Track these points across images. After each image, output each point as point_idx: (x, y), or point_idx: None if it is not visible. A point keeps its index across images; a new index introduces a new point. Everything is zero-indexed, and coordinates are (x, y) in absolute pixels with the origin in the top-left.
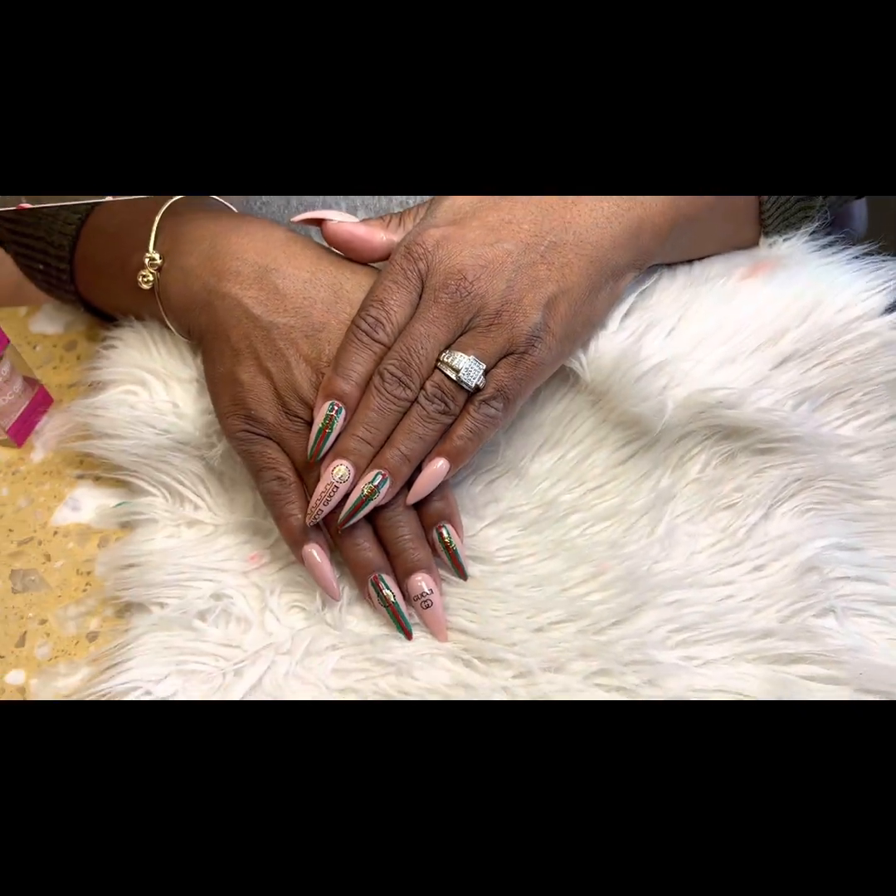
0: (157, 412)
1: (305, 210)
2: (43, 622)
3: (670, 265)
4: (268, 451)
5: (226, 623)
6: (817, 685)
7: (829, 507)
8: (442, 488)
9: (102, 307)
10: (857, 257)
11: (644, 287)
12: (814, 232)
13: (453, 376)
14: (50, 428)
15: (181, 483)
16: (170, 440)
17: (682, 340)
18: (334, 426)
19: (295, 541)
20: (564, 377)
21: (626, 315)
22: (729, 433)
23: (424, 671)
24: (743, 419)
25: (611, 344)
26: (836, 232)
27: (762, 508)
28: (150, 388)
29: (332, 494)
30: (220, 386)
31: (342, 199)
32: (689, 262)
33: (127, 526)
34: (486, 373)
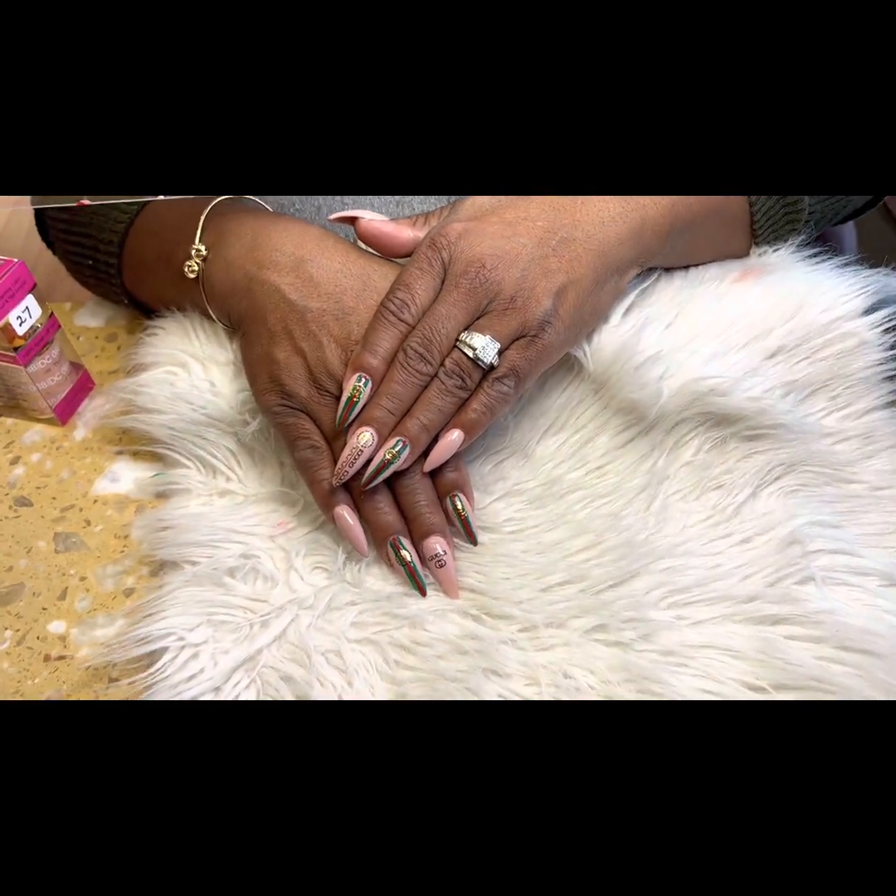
0: (195, 390)
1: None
2: (83, 579)
3: (668, 269)
4: (301, 422)
5: (254, 580)
6: (798, 643)
7: (811, 488)
8: (456, 460)
9: (146, 299)
10: (839, 266)
11: (644, 286)
12: (801, 243)
13: (470, 354)
14: (91, 409)
15: (215, 456)
16: (206, 416)
17: (678, 334)
18: (361, 397)
19: (327, 503)
20: (569, 366)
21: (627, 310)
22: (720, 420)
23: (436, 624)
24: (733, 407)
25: (612, 336)
26: (824, 248)
27: (749, 488)
28: (189, 370)
29: (356, 458)
30: (257, 365)
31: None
32: (685, 267)
33: (162, 496)
34: (500, 353)
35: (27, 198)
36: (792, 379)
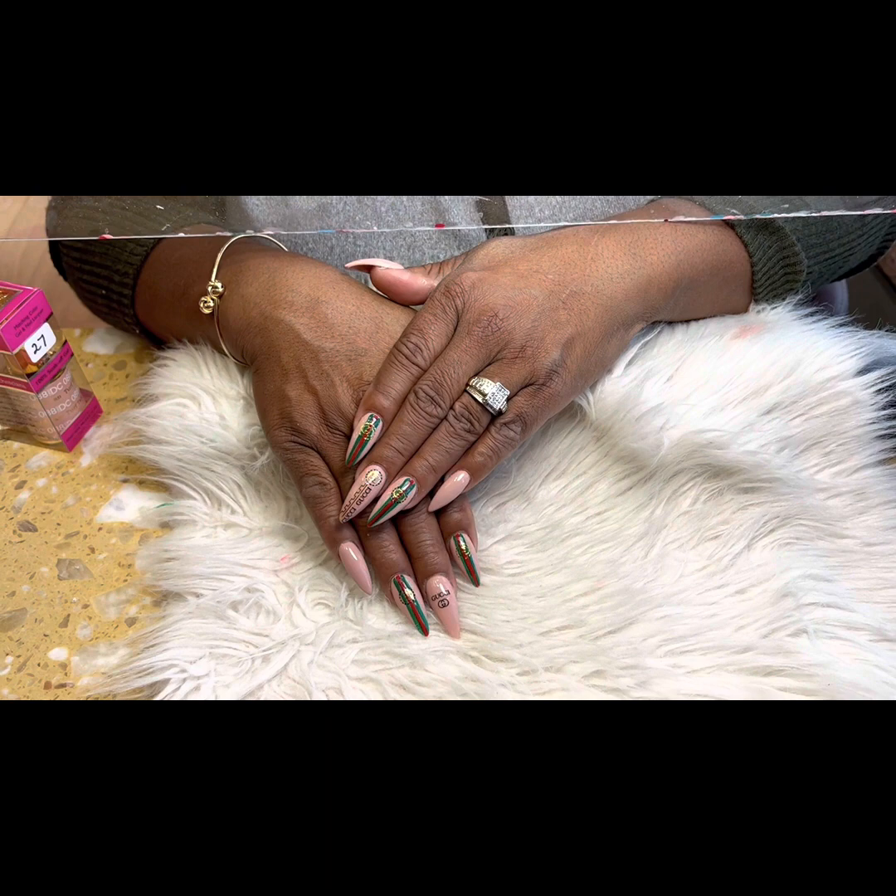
0: (204, 423)
1: (348, 259)
2: (85, 607)
3: (670, 323)
4: (311, 459)
5: (256, 614)
6: (791, 695)
7: (805, 542)
8: (461, 501)
9: (158, 330)
10: (835, 326)
11: (647, 339)
12: (798, 302)
13: (480, 399)
14: (98, 436)
15: (221, 489)
16: (214, 449)
17: (678, 387)
18: (372, 436)
19: (333, 539)
20: (572, 414)
21: (630, 363)
22: (717, 472)
23: (436, 665)
24: (730, 459)
25: (615, 387)
26: (819, 307)
27: (745, 540)
28: (199, 402)
29: (364, 495)
30: (269, 401)
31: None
32: (687, 322)
33: (167, 526)
34: (508, 399)
35: (43, 227)
36: (787, 435)
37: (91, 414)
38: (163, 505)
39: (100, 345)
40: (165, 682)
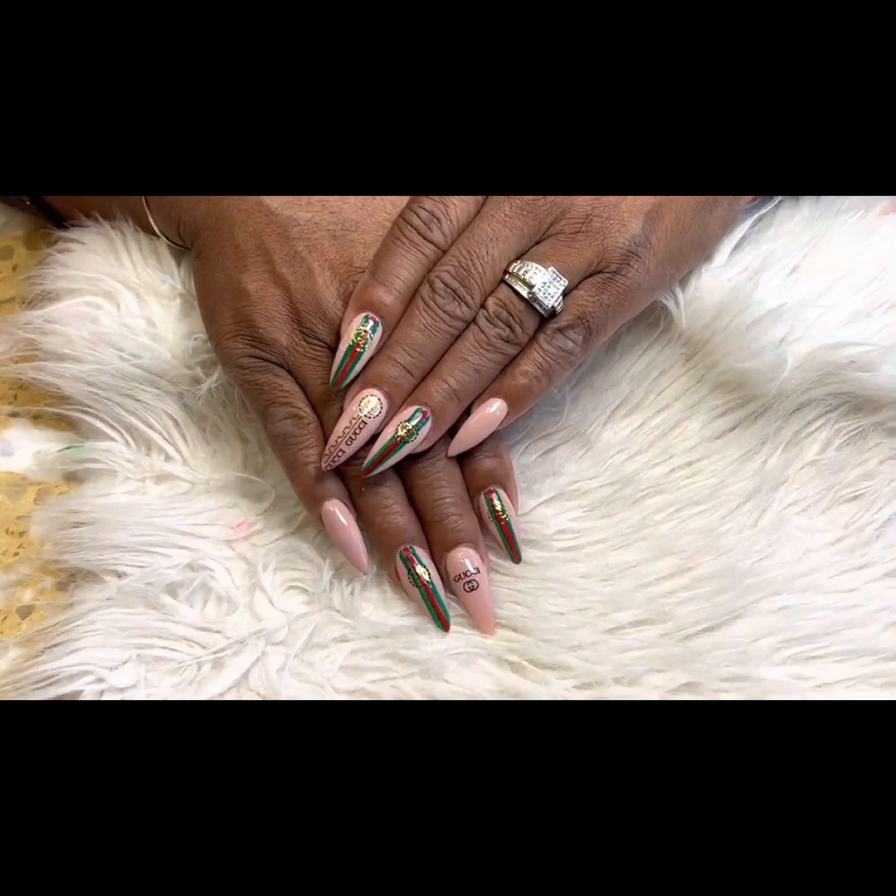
0: (126, 331)
1: None
2: None
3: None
4: (280, 381)
5: (203, 602)
6: None
7: None
8: (495, 443)
9: (59, 203)
10: None
11: (761, 213)
12: None
13: (525, 293)
14: None
15: (150, 426)
16: (140, 369)
17: (806, 283)
18: (367, 346)
19: (312, 496)
20: (653, 321)
21: (737, 248)
22: (859, 405)
23: (459, 673)
24: (879, 387)
25: (716, 282)
26: None
27: None
28: (118, 302)
29: (357, 432)
30: (218, 297)
31: None
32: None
33: (74, 478)
34: (565, 294)
35: None
36: None
37: None
38: (68, 448)
39: None
40: (75, 695)
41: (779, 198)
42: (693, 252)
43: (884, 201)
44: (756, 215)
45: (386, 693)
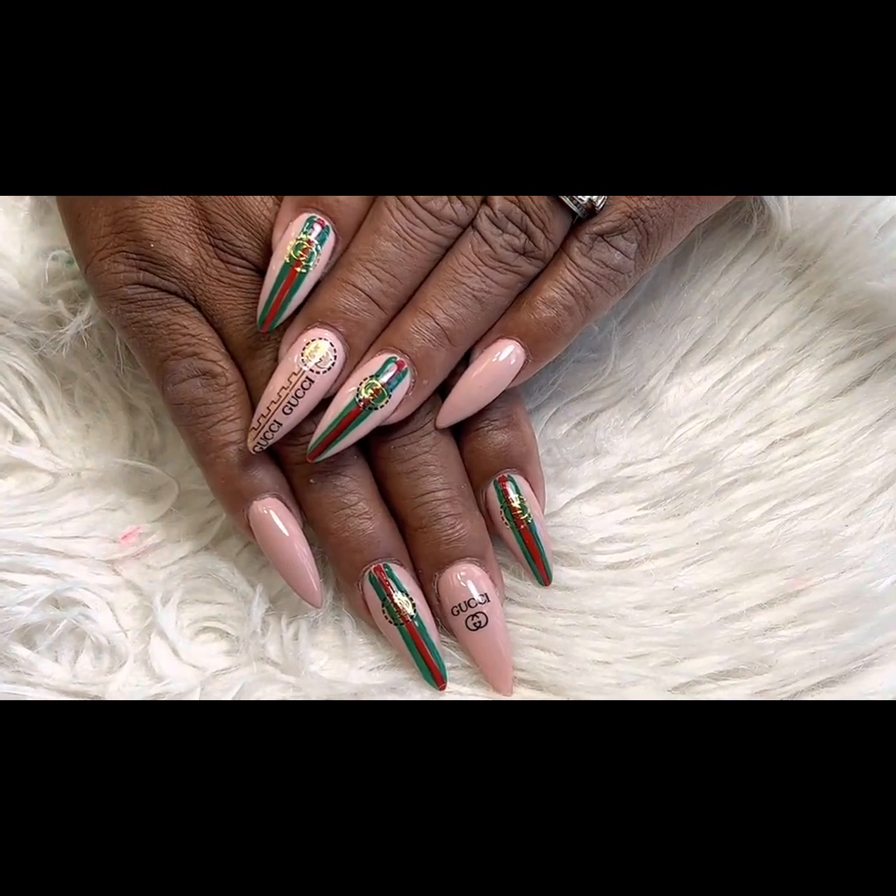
0: None
1: None
2: None
3: None
4: (183, 321)
5: (74, 653)
6: None
7: None
8: (509, 408)
9: None
10: None
11: None
12: None
13: None
14: None
15: None
16: None
17: None
18: (312, 263)
19: (235, 491)
20: (742, 221)
21: None
22: None
23: None
24: None
25: None
26: None
27: None
28: None
29: (300, 393)
30: (90, 199)
31: None
32: None
33: None
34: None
35: None
36: None
37: None
38: None
39: None
40: None
41: None
42: None
43: None
44: None
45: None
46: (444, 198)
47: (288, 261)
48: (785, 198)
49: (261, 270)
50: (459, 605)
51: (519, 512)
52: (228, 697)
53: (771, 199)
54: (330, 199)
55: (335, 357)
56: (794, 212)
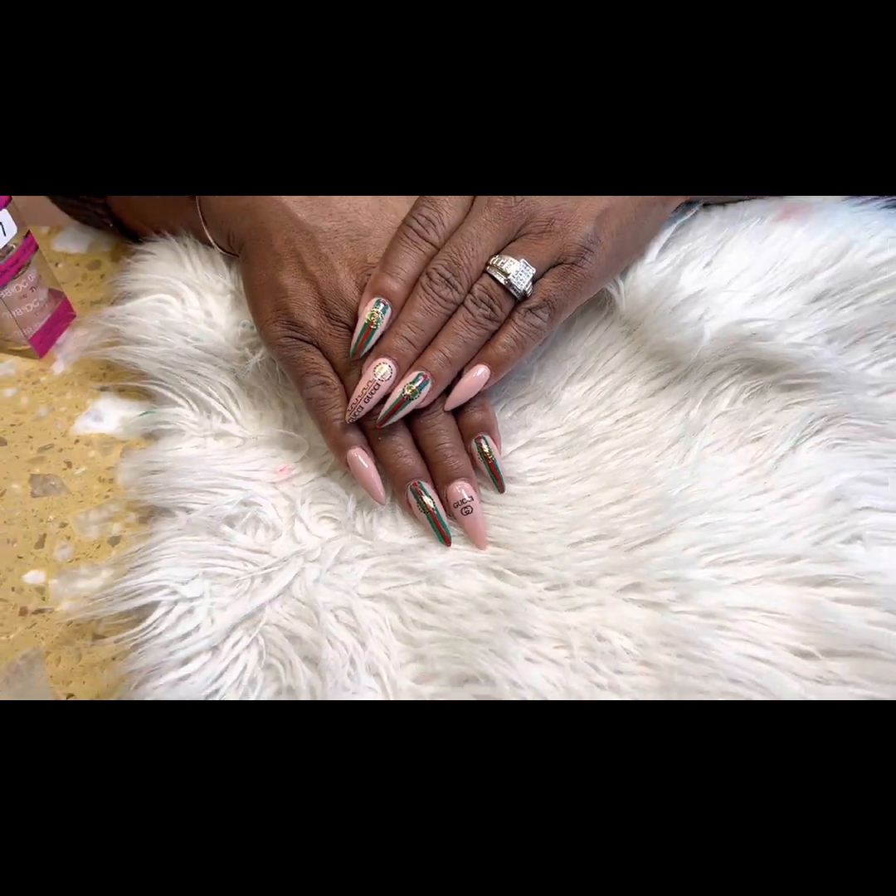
0: (189, 320)
1: None
2: (63, 525)
3: (706, 206)
4: (311, 356)
5: (254, 530)
6: (847, 607)
7: (855, 443)
8: (482, 400)
9: (134, 222)
10: (888, 206)
11: (682, 220)
12: None
13: (502, 280)
14: (72, 341)
15: (210, 395)
16: (200, 350)
17: (718, 274)
18: (379, 324)
19: (339, 444)
20: (600, 306)
21: (665, 247)
22: (759, 367)
23: (456, 580)
24: (774, 353)
25: (649, 274)
26: None
27: (790, 442)
28: (182, 298)
29: (372, 392)
30: (261, 292)
31: None
32: (723, 204)
33: (151, 436)
34: (534, 281)
35: None
36: (836, 325)
37: (62, 316)
38: (145, 413)
39: (71, 243)
40: (155, 605)
41: (695, 208)
42: (632, 248)
43: (777, 209)
44: (678, 222)
45: (399, 596)
46: (449, 288)
47: (366, 323)
48: (622, 291)
49: (352, 328)
50: (458, 502)
51: (488, 455)
52: (335, 553)
53: (614, 292)
54: (388, 290)
55: (391, 373)
56: (626, 300)
